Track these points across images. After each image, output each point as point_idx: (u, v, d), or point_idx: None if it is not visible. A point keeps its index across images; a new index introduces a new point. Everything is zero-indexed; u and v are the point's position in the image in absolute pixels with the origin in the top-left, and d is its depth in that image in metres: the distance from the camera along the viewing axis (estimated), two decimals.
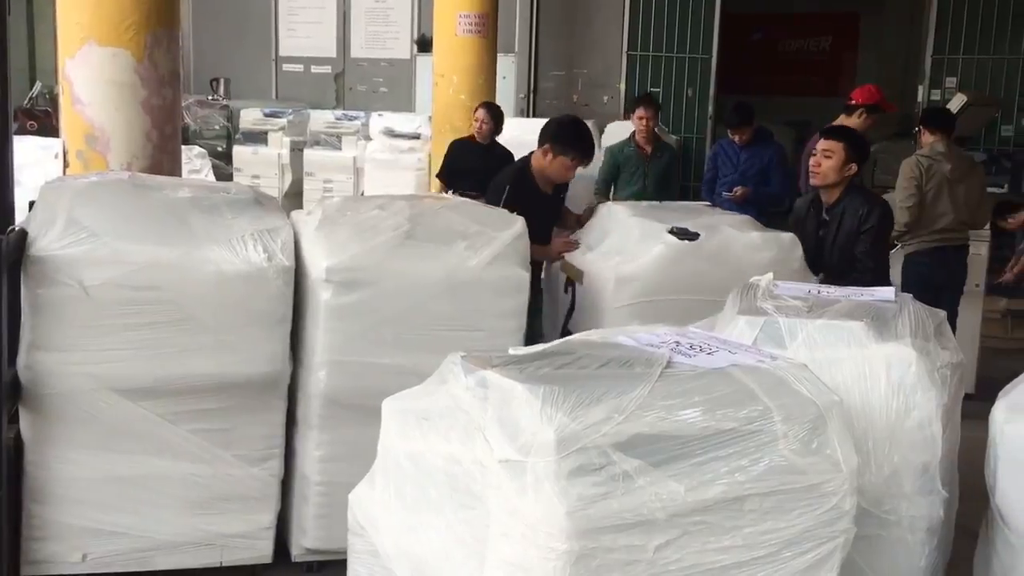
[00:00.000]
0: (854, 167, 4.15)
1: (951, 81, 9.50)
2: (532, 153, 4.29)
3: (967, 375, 4.75)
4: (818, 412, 2.04)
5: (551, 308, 4.34)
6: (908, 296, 2.95)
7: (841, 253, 4.04)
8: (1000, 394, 2.53)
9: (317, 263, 3.24)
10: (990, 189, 7.65)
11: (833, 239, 4.08)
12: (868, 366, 2.49)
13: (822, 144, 4.20)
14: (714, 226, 3.77)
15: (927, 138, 5.96)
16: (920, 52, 9.84)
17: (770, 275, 3.22)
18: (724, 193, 6.32)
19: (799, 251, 3.79)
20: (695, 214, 4.04)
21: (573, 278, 3.97)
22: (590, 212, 4.44)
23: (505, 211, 3.95)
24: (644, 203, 4.39)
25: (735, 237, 3.72)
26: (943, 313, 2.91)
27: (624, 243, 3.81)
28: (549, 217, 4.36)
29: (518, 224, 3.57)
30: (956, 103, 8.33)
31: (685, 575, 1.88)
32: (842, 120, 5.89)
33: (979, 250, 5.82)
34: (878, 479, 2.42)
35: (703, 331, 2.50)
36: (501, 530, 1.85)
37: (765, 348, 2.48)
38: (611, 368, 2.06)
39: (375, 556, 2.24)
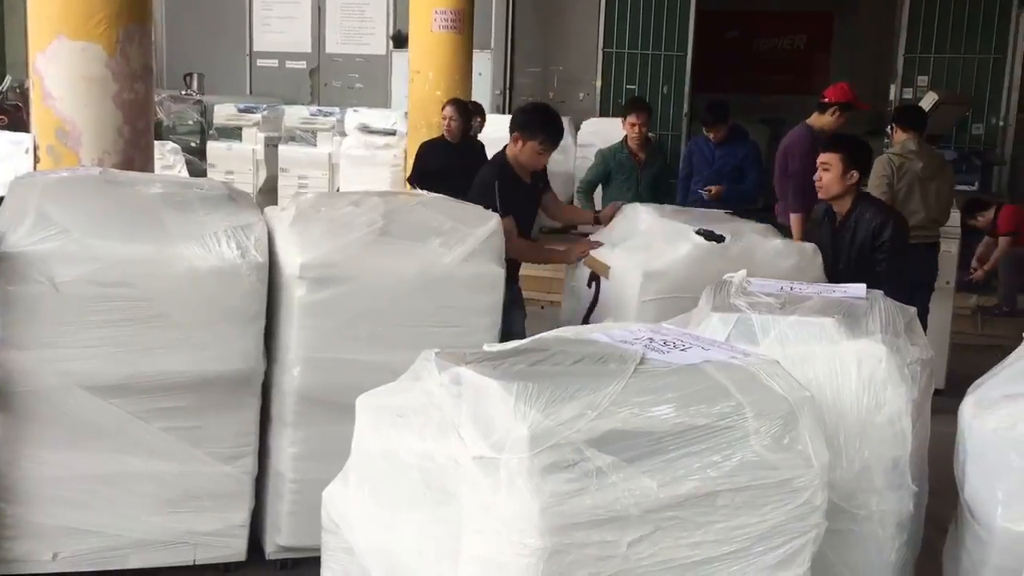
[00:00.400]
0: (855, 174, 4.16)
1: (923, 80, 9.59)
2: (506, 146, 4.32)
3: (937, 371, 4.83)
4: (790, 408, 2.06)
5: (571, 302, 4.29)
6: (879, 293, 2.98)
7: (856, 265, 4.02)
8: (968, 390, 2.56)
9: (291, 259, 3.23)
10: (960, 187, 7.75)
11: (848, 250, 4.11)
12: (839, 362, 2.52)
13: (821, 158, 4.23)
14: (739, 231, 3.84)
15: (899, 136, 6.02)
16: (892, 51, 9.93)
17: (743, 272, 3.25)
18: (699, 191, 6.34)
19: (819, 260, 3.83)
20: (719, 220, 4.07)
21: (599, 272, 3.99)
22: (613, 211, 4.42)
23: (480, 207, 3.95)
24: (668, 206, 4.40)
25: (759, 243, 3.77)
26: (913, 310, 2.95)
27: (650, 241, 3.85)
28: (533, 206, 4.39)
29: (493, 221, 3.57)
30: (928, 101, 8.41)
31: (658, 570, 1.89)
32: (815, 118, 5.92)
33: (949, 247, 5.88)
34: (849, 474, 2.45)
35: (677, 328, 2.51)
36: (475, 527, 1.85)
37: (738, 344, 2.50)
38: (585, 365, 2.07)
39: (349, 554, 2.23)
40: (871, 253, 4.08)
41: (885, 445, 2.48)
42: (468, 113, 6.81)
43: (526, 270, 4.48)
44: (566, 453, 1.82)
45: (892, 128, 6.26)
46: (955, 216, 6.14)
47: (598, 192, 6.45)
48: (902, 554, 2.56)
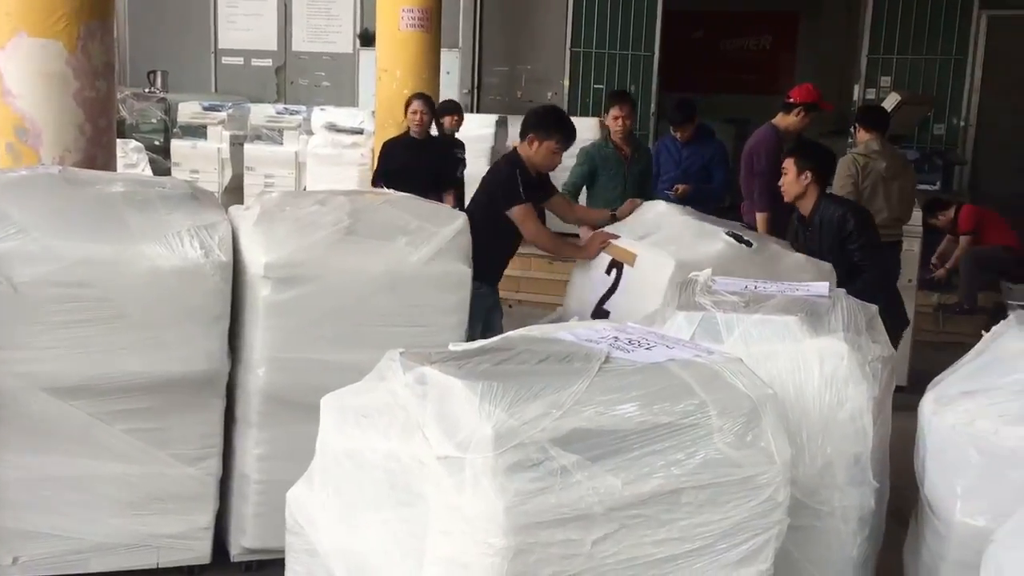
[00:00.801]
0: (808, 174, 4.35)
1: (886, 80, 9.70)
2: (514, 149, 4.37)
3: (900, 368, 4.89)
4: (752, 405, 2.07)
5: (579, 291, 4.25)
6: (841, 291, 3.01)
7: (832, 261, 4.10)
8: (928, 387, 2.60)
9: (256, 259, 3.20)
10: (922, 187, 7.85)
11: (819, 249, 4.21)
12: (802, 359, 2.54)
13: (783, 164, 4.49)
14: (762, 240, 3.96)
15: (862, 136, 6.09)
16: (856, 52, 10.03)
17: (708, 271, 3.27)
18: (666, 191, 6.36)
19: (834, 278, 3.86)
20: (736, 229, 4.14)
21: (622, 260, 4.03)
22: (632, 207, 4.43)
23: (447, 206, 3.94)
24: (684, 207, 4.44)
25: (782, 254, 3.91)
26: (875, 307, 2.98)
27: (679, 237, 3.92)
28: (539, 208, 4.46)
29: (460, 220, 3.57)
30: (890, 102, 8.50)
31: (622, 568, 1.90)
32: (780, 118, 5.97)
33: (912, 246, 5.96)
34: (812, 470, 2.47)
35: (642, 326, 2.52)
36: (440, 527, 1.85)
37: (703, 343, 2.52)
38: (550, 364, 2.07)
39: (313, 555, 2.22)
40: (841, 248, 4.22)
41: (847, 442, 2.51)
42: (434, 107, 6.75)
43: None
44: (530, 452, 1.82)
45: (856, 128, 6.34)
46: (917, 215, 6.23)
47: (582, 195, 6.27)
48: (864, 549, 2.59)
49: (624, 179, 5.96)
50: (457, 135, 7.25)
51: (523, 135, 4.31)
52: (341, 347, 3.21)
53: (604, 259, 4.12)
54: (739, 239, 3.82)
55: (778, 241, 4.15)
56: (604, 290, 4.06)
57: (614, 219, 4.51)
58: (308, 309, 3.23)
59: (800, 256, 3.96)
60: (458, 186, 7.10)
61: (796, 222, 4.51)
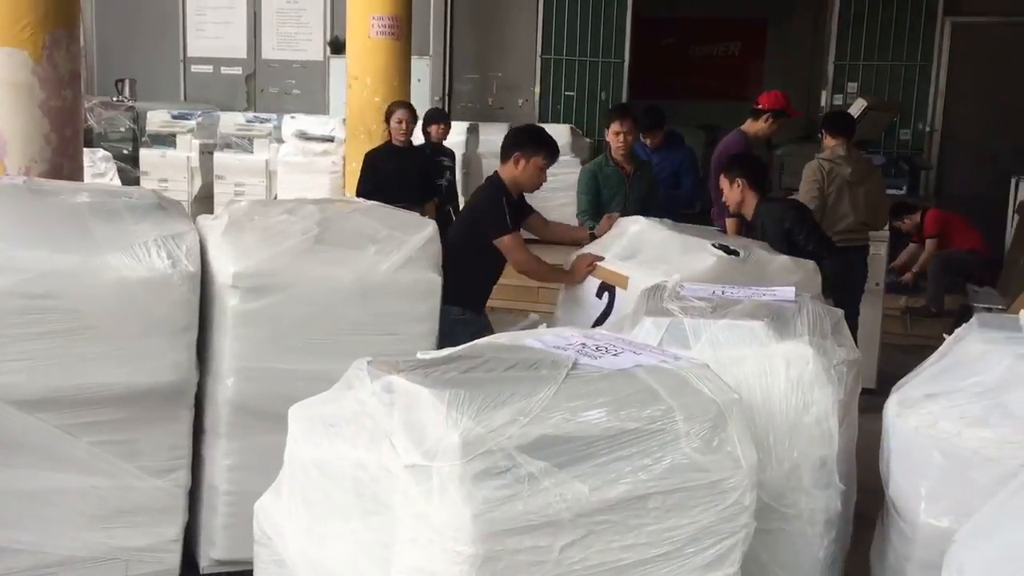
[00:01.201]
0: (740, 182, 4.64)
1: (852, 86, 9.81)
2: (495, 173, 4.27)
3: (868, 371, 4.96)
4: (719, 410, 2.09)
5: (572, 314, 4.18)
6: (807, 295, 3.04)
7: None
8: (893, 389, 2.63)
9: (224, 268, 3.19)
10: (889, 191, 7.94)
11: (762, 235, 4.43)
12: (768, 364, 2.57)
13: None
14: (747, 247, 3.97)
15: (829, 141, 6.16)
16: (823, 58, 10.14)
17: (677, 276, 3.30)
18: None
19: (819, 277, 3.94)
20: (713, 235, 4.21)
21: (615, 284, 3.99)
22: (609, 224, 4.43)
23: (416, 214, 3.95)
24: (658, 219, 4.35)
25: (768, 258, 3.93)
26: (840, 311, 3.02)
27: (666, 254, 3.90)
28: (517, 225, 4.42)
29: (429, 228, 3.57)
30: (857, 108, 8.59)
31: (591, 574, 1.90)
32: (749, 124, 6.03)
33: (879, 250, 6.03)
34: (778, 474, 2.49)
35: (610, 333, 2.54)
36: (407, 535, 1.85)
37: (671, 348, 2.54)
38: (517, 371, 2.08)
39: (281, 566, 2.21)
40: (789, 243, 4.39)
41: (813, 445, 2.54)
42: (416, 116, 6.66)
43: None
44: (498, 460, 1.83)
45: (822, 134, 6.41)
46: None
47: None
48: (831, 551, 2.62)
49: (625, 198, 5.41)
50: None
51: (507, 156, 4.21)
52: (310, 356, 3.20)
53: (593, 282, 4.07)
54: (727, 250, 3.82)
55: (761, 245, 4.17)
56: (597, 314, 4.03)
57: (592, 237, 4.51)
58: (277, 318, 3.21)
59: (785, 258, 3.99)
60: (444, 195, 7.06)
61: (745, 227, 4.72)
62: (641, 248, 4.06)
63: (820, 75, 10.25)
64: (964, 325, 2.75)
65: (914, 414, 2.40)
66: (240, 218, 3.41)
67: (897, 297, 7.40)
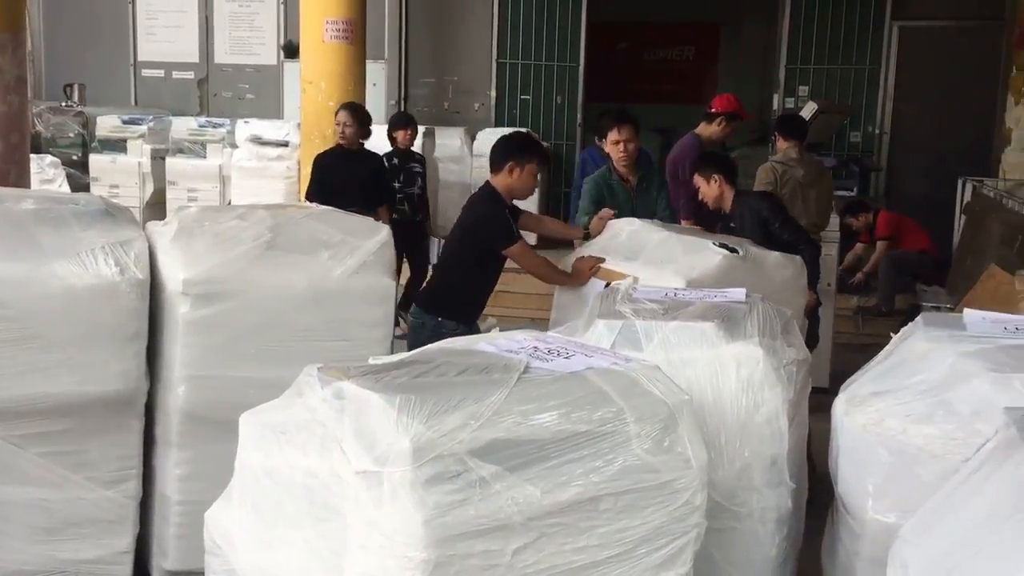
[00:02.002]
0: (717, 178, 4.79)
1: (804, 90, 9.94)
2: (487, 184, 4.20)
3: (820, 370, 5.02)
4: (669, 411, 2.11)
5: (571, 316, 3.95)
6: (758, 296, 3.08)
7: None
8: (841, 388, 2.67)
9: (174, 275, 3.15)
10: (840, 192, 8.08)
11: (740, 230, 4.57)
12: (719, 365, 2.59)
13: (694, 183, 4.92)
14: (741, 244, 4.02)
15: (781, 144, 6.24)
16: (775, 62, 10.28)
17: (630, 279, 3.32)
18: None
19: (805, 271, 4.16)
20: (699, 235, 4.31)
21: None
22: (602, 225, 4.39)
23: (370, 219, 3.93)
24: (651, 222, 4.35)
25: (763, 255, 4.02)
26: (790, 312, 3.06)
27: (671, 255, 3.90)
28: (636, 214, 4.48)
29: (383, 232, 3.56)
30: (808, 111, 8.71)
31: None
32: (703, 128, 6.08)
33: (829, 251, 6.11)
34: (730, 473, 2.52)
35: (562, 336, 2.55)
36: (359, 542, 1.84)
37: (623, 350, 2.55)
38: (469, 375, 2.08)
39: (232, 575, 2.18)
40: (766, 234, 4.54)
41: (764, 444, 2.57)
42: (364, 117, 6.53)
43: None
44: (449, 464, 1.82)
45: (775, 137, 6.49)
46: (834, 220, 6.41)
47: None
48: (783, 549, 2.65)
49: (632, 211, 4.82)
50: (371, 145, 6.91)
51: (499, 165, 4.14)
52: (263, 364, 3.17)
53: (598, 284, 3.99)
54: (728, 248, 3.86)
55: (750, 242, 4.21)
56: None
57: (587, 235, 4.51)
58: (229, 326, 3.18)
59: (777, 254, 4.10)
60: (415, 202, 6.96)
61: (720, 224, 4.82)
62: (642, 249, 4.04)
63: (772, 79, 10.38)
64: (910, 324, 2.79)
65: (861, 412, 2.43)
66: (190, 224, 3.37)
67: (849, 297, 7.52)
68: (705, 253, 3.84)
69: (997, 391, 2.22)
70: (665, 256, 3.90)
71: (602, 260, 4.05)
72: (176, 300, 3.14)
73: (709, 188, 4.82)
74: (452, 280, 4.16)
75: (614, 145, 4.93)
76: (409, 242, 6.85)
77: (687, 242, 3.98)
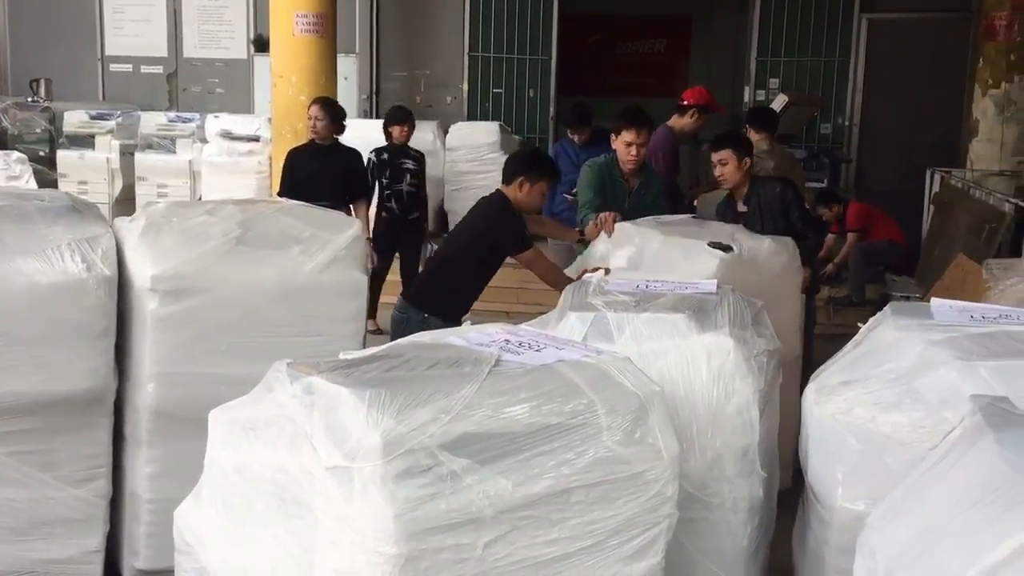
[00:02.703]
0: (748, 160, 4.76)
1: (774, 82, 10.00)
2: (499, 191, 4.26)
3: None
4: (640, 403, 2.11)
5: None
6: (728, 287, 3.09)
7: (773, 230, 4.50)
8: (811, 377, 2.69)
9: (142, 272, 3.12)
10: (811, 184, 8.14)
11: (759, 222, 4.57)
12: (690, 356, 2.61)
13: (716, 156, 4.75)
14: (733, 236, 4.12)
15: (753, 136, 6.27)
16: (746, 55, 10.33)
17: (601, 272, 3.32)
18: (564, 194, 6.42)
19: (798, 251, 4.29)
20: (695, 225, 4.38)
21: None
22: (597, 230, 4.37)
23: (341, 214, 3.91)
24: (653, 220, 4.34)
25: (756, 245, 4.12)
26: (760, 303, 3.07)
27: (672, 263, 3.93)
28: (631, 213, 4.52)
29: (354, 227, 3.54)
30: (778, 103, 8.77)
31: (515, 569, 1.91)
32: (675, 120, 6.10)
33: None
34: (701, 464, 2.53)
35: (534, 328, 2.55)
36: (329, 538, 1.83)
37: (595, 343, 2.56)
38: (440, 369, 2.07)
39: (202, 574, 2.17)
40: (786, 220, 4.62)
41: (735, 434, 2.58)
42: (336, 112, 6.41)
43: None
44: (420, 458, 1.82)
45: (746, 129, 6.52)
46: None
47: None
48: (755, 538, 2.67)
49: (624, 212, 4.63)
50: (345, 140, 6.64)
51: (511, 178, 4.22)
52: (233, 360, 3.15)
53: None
54: (721, 247, 3.94)
55: (738, 228, 4.31)
56: None
57: (582, 237, 4.55)
58: (198, 322, 3.15)
59: (768, 240, 4.20)
60: (407, 200, 6.81)
61: (726, 208, 4.81)
62: (643, 256, 4.06)
63: (743, 71, 10.43)
64: (878, 314, 2.82)
65: (830, 401, 2.45)
66: (158, 220, 3.33)
67: (821, 287, 7.57)
68: (703, 256, 3.92)
69: (964, 379, 2.24)
70: (667, 264, 3.94)
71: (608, 270, 4.00)
72: (145, 297, 3.11)
73: (739, 170, 4.68)
74: (449, 278, 4.16)
75: (625, 146, 4.77)
76: (399, 240, 6.79)
77: (684, 247, 4.01)
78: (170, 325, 3.12)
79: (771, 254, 4.13)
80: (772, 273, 4.07)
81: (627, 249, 4.12)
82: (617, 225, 4.28)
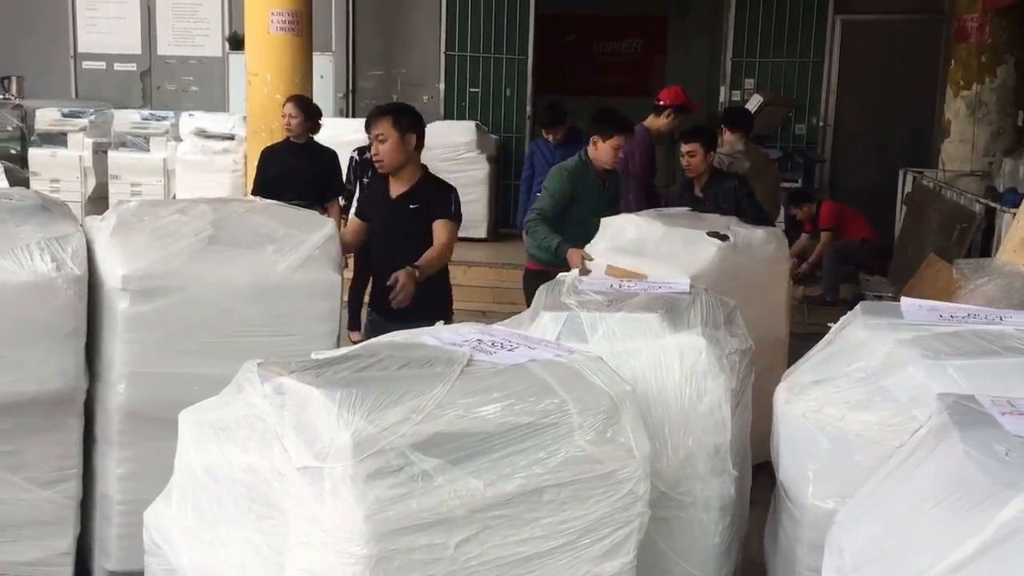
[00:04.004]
0: (712, 154, 5.47)
1: (749, 83, 10.06)
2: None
3: None
4: (612, 402, 2.12)
5: None
6: (702, 287, 3.11)
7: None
8: (783, 376, 2.70)
9: (113, 271, 3.09)
10: (785, 184, 8.21)
11: (713, 210, 4.97)
12: (663, 355, 2.61)
13: (685, 147, 5.37)
14: (728, 227, 4.47)
15: (728, 137, 6.32)
16: (721, 55, 10.38)
17: (575, 272, 3.33)
18: (538, 193, 6.43)
19: (785, 240, 4.80)
20: (692, 218, 4.69)
21: (634, 280, 4.12)
22: (577, 259, 4.41)
23: (316, 213, 3.89)
24: (657, 212, 4.79)
25: (748, 234, 4.46)
26: (734, 302, 3.09)
27: (673, 250, 4.23)
28: (602, 206, 4.79)
29: (328, 226, 3.52)
30: (753, 103, 8.83)
31: (486, 569, 1.91)
32: (651, 120, 6.12)
33: None
34: (674, 463, 2.54)
35: (506, 328, 2.55)
36: (300, 539, 1.82)
37: (569, 342, 2.56)
38: (411, 369, 2.07)
39: (172, 575, 2.15)
40: (735, 210, 5.04)
41: (707, 433, 2.59)
42: (311, 110, 6.35)
43: None
44: (391, 458, 1.81)
45: (721, 129, 6.56)
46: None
47: None
48: (727, 536, 2.67)
49: (598, 205, 4.84)
50: (321, 139, 6.54)
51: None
52: (207, 360, 3.12)
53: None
54: (718, 236, 4.27)
55: (731, 219, 4.62)
56: None
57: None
58: (170, 321, 3.13)
59: (761, 231, 4.56)
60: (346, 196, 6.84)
61: (683, 191, 5.49)
62: (646, 245, 4.29)
63: (718, 71, 10.48)
64: (849, 313, 2.84)
65: (801, 400, 2.47)
66: (129, 219, 3.30)
67: (794, 286, 7.62)
68: (701, 244, 4.24)
69: (932, 378, 2.26)
70: (668, 251, 4.23)
71: (591, 258, 4.31)
72: (115, 296, 3.08)
73: (703, 160, 5.31)
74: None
75: (613, 149, 4.84)
76: None
77: (685, 236, 4.31)
78: (141, 325, 3.09)
79: (763, 242, 4.50)
80: (765, 259, 4.50)
81: (631, 239, 4.39)
82: (622, 216, 4.58)
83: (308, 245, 3.37)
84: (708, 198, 5.29)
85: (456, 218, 4.11)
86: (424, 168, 4.20)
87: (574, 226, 4.72)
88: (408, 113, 4.15)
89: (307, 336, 3.28)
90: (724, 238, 4.27)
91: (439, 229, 4.02)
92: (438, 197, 4.11)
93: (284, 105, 6.30)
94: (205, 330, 3.18)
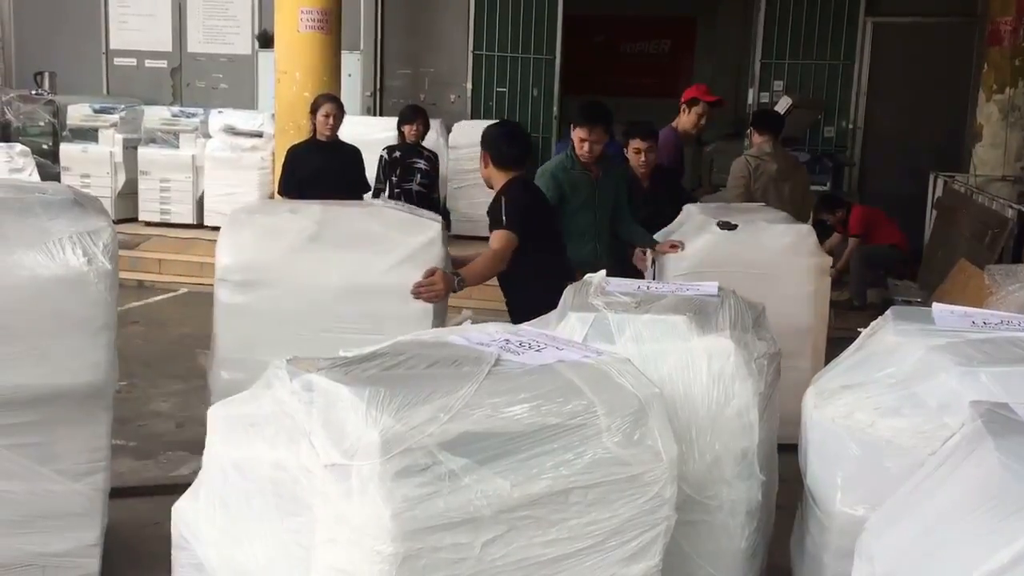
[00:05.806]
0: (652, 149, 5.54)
1: (778, 84, 9.99)
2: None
3: None
4: (639, 405, 2.11)
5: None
6: (731, 290, 3.09)
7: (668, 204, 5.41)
8: (811, 381, 2.68)
9: (218, 263, 3.38)
10: (814, 187, 8.13)
11: (654, 201, 5.36)
12: (690, 358, 2.60)
13: (642, 144, 5.43)
14: (753, 220, 4.93)
15: (756, 139, 6.28)
16: (750, 57, 10.31)
17: (603, 272, 3.32)
18: None
19: (814, 238, 4.94)
20: (752, 211, 5.20)
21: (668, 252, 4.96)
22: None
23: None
24: (714, 204, 5.43)
25: (764, 228, 4.84)
26: (762, 305, 3.07)
27: (686, 232, 4.94)
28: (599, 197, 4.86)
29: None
30: (782, 105, 8.75)
31: (512, 570, 1.90)
32: (678, 120, 6.12)
33: None
34: (701, 466, 2.53)
35: (534, 328, 2.54)
36: (327, 536, 1.82)
37: (596, 343, 2.55)
38: (439, 368, 2.07)
39: (199, 569, 2.17)
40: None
41: (734, 437, 2.57)
42: (343, 109, 6.38)
43: None
44: (418, 457, 1.81)
45: (750, 131, 6.52)
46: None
47: None
48: (753, 541, 2.66)
49: (595, 200, 4.77)
50: (348, 138, 6.56)
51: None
52: (296, 352, 3.15)
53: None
54: (726, 226, 4.75)
55: (773, 216, 5.01)
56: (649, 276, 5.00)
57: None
58: (265, 312, 3.36)
59: (780, 225, 4.88)
60: (415, 200, 6.70)
61: (632, 182, 5.37)
62: (677, 227, 5.01)
63: (747, 73, 10.41)
64: (879, 318, 2.81)
65: (831, 405, 2.45)
66: (244, 216, 3.58)
67: None
68: (701, 233, 4.77)
69: (964, 385, 2.24)
70: (681, 234, 4.88)
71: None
72: (217, 286, 3.32)
73: (647, 159, 5.39)
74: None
75: (579, 141, 4.69)
76: None
77: (700, 222, 4.87)
78: (237, 313, 3.23)
79: (776, 236, 4.80)
80: (777, 251, 4.77)
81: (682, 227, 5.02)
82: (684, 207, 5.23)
83: (405, 248, 3.47)
84: (656, 191, 5.47)
85: (509, 225, 3.80)
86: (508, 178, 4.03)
87: (575, 221, 4.65)
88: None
89: (396, 337, 3.30)
90: (731, 227, 4.76)
91: (491, 238, 3.87)
92: (492, 205, 3.96)
93: (322, 104, 6.21)
94: (297, 323, 3.33)
